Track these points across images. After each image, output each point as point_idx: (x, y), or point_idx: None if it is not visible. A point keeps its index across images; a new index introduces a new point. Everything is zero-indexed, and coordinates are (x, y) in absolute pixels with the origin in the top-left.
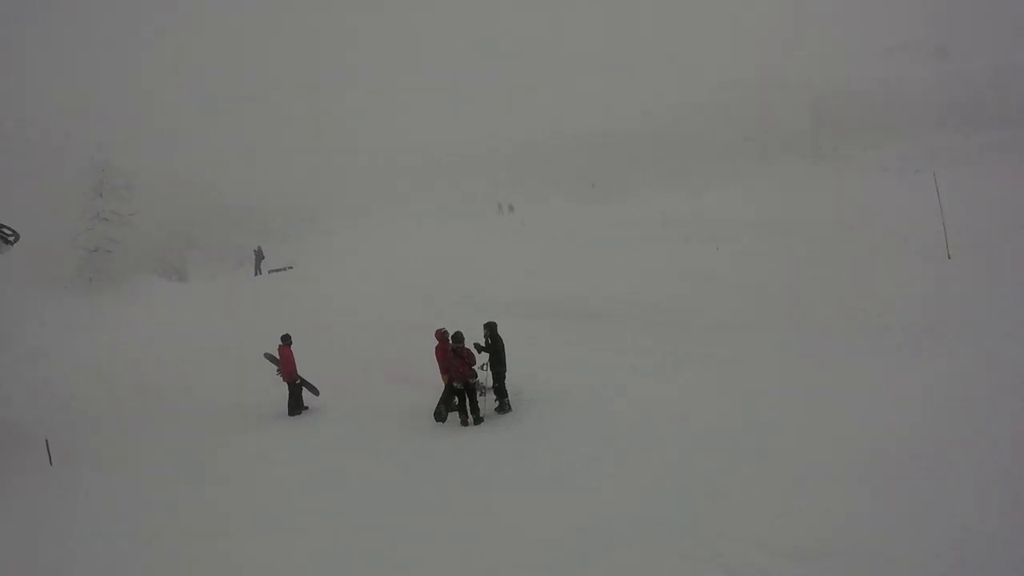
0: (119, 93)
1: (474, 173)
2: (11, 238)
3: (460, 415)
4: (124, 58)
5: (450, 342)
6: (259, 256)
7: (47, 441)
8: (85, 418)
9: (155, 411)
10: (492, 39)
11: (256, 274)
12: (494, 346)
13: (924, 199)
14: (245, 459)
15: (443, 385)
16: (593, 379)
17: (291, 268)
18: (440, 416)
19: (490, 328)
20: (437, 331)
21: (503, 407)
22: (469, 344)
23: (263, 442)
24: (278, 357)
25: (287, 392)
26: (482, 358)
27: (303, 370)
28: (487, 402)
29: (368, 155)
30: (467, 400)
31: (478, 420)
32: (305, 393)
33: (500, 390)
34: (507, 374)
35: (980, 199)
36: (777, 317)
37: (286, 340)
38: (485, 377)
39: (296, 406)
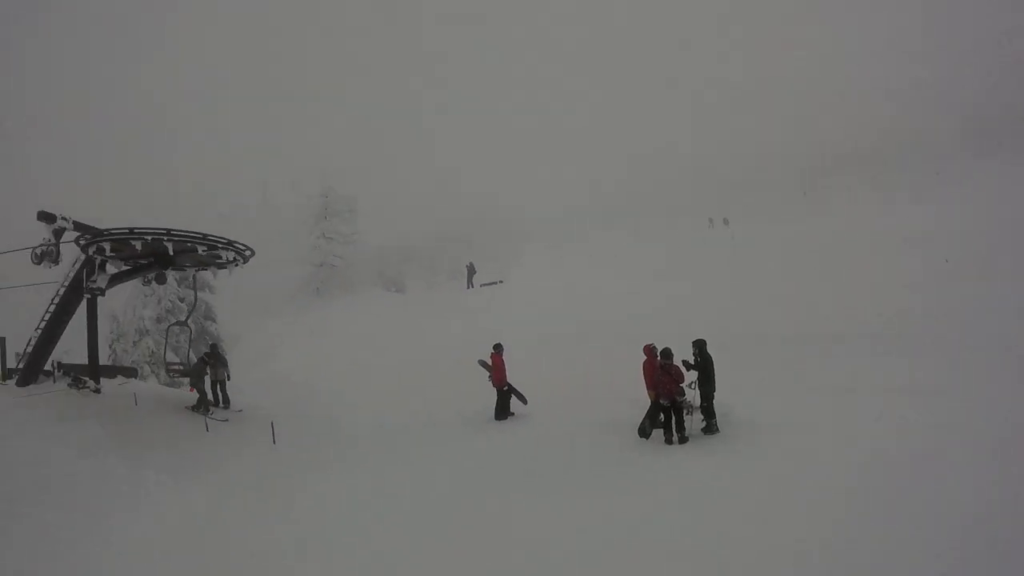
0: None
1: (682, 185)
2: (247, 253)
3: (665, 433)
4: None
5: (658, 358)
6: (471, 271)
7: (272, 424)
8: (305, 407)
9: (366, 405)
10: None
11: (468, 287)
12: (703, 364)
13: None
14: (437, 450)
15: (650, 401)
16: (814, 407)
17: (501, 282)
18: (644, 432)
19: (699, 345)
20: (645, 346)
21: (710, 428)
22: (677, 361)
23: (463, 439)
24: (491, 364)
25: (496, 398)
26: (690, 376)
27: (513, 378)
28: (693, 422)
29: (574, 166)
30: (673, 418)
31: (683, 439)
32: (514, 401)
33: (708, 410)
34: (715, 394)
35: None
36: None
37: (498, 349)
38: (693, 396)
39: (503, 411)
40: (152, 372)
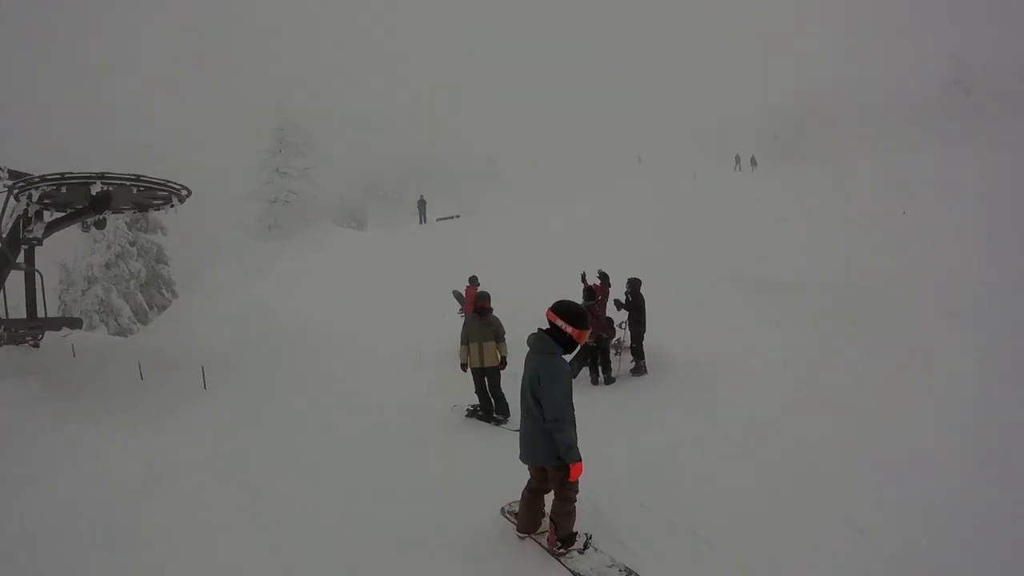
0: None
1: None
2: (183, 193)
3: (591, 373)
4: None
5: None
6: (422, 205)
7: (203, 368)
8: (245, 350)
9: (306, 348)
10: None
11: (422, 222)
12: (634, 303)
13: None
14: (378, 390)
15: None
16: (750, 351)
17: (457, 217)
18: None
19: (632, 284)
20: (588, 283)
21: (639, 369)
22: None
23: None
24: (463, 295)
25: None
26: (621, 316)
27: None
28: (621, 362)
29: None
30: (599, 358)
31: (609, 380)
32: None
33: (637, 351)
34: (646, 335)
35: None
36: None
37: (473, 281)
38: (623, 336)
39: None
40: (101, 321)
